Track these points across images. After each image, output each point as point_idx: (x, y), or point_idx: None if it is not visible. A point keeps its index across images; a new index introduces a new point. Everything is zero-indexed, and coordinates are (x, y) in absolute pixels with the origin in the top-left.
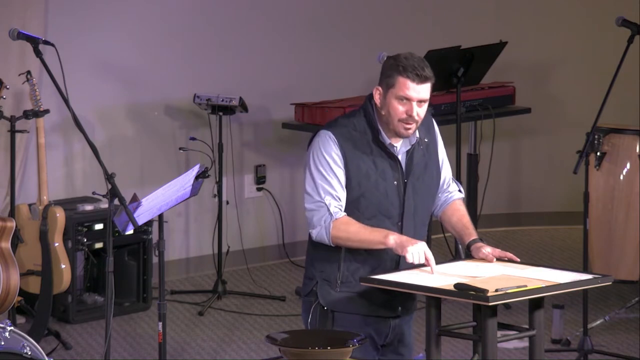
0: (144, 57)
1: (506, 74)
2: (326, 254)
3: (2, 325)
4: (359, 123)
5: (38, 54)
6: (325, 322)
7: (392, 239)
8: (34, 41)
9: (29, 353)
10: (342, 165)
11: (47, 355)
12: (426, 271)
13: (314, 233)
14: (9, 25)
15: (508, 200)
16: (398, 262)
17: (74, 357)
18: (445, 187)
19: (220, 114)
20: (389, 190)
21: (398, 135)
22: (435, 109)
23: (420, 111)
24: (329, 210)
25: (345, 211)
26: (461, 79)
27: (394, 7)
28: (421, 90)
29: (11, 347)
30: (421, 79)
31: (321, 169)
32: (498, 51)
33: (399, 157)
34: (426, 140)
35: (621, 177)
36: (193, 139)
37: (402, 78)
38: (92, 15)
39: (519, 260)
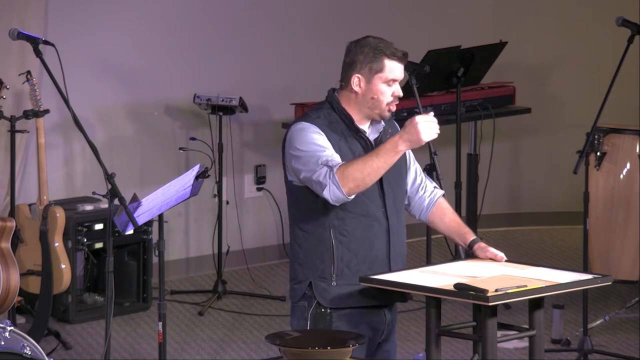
0: (144, 57)
1: (506, 74)
2: (316, 251)
3: (2, 325)
4: (329, 115)
5: (38, 54)
6: (323, 324)
7: (402, 144)
8: (34, 41)
9: (29, 353)
10: (327, 141)
11: (47, 355)
12: (427, 272)
13: (327, 194)
14: (9, 25)
15: (508, 200)
16: (389, 248)
17: (74, 357)
18: (421, 184)
19: (220, 114)
20: None
21: (381, 117)
22: (435, 109)
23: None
24: (328, 165)
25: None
26: (461, 79)
27: (394, 7)
28: (402, 69)
29: (11, 347)
30: (404, 57)
31: (306, 145)
32: (498, 51)
33: (373, 143)
34: (390, 130)
35: (621, 177)
36: (193, 139)
37: (390, 61)
38: (92, 15)
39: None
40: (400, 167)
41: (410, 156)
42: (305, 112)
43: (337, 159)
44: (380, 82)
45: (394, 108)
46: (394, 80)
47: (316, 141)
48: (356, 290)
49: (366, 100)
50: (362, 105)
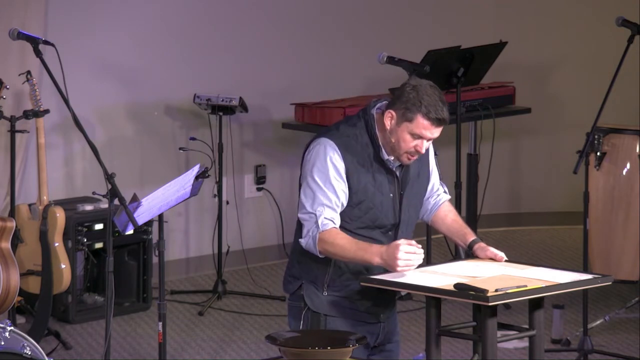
0: (144, 57)
1: (506, 74)
2: (313, 255)
3: (2, 325)
4: (361, 135)
5: (38, 54)
6: (317, 326)
7: (377, 260)
8: (34, 41)
9: (29, 353)
10: (342, 176)
11: (47, 355)
12: (427, 272)
13: (303, 242)
14: (9, 25)
15: (508, 200)
16: (385, 272)
17: (74, 357)
18: (434, 191)
19: (220, 114)
20: (384, 203)
21: (398, 161)
22: None
23: (427, 145)
24: (317, 221)
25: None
26: (461, 79)
27: (393, 7)
28: (436, 132)
29: (11, 347)
30: (440, 123)
31: (317, 179)
32: (498, 51)
33: (397, 172)
34: (419, 158)
35: (621, 177)
36: (193, 139)
37: (422, 118)
38: (92, 15)
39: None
40: (422, 187)
41: (433, 169)
42: (304, 111)
43: (334, 218)
44: (406, 131)
45: (413, 158)
46: (420, 137)
47: (332, 181)
48: (345, 303)
49: (389, 139)
50: (386, 140)
